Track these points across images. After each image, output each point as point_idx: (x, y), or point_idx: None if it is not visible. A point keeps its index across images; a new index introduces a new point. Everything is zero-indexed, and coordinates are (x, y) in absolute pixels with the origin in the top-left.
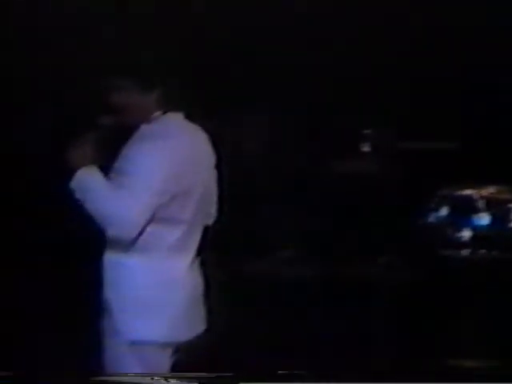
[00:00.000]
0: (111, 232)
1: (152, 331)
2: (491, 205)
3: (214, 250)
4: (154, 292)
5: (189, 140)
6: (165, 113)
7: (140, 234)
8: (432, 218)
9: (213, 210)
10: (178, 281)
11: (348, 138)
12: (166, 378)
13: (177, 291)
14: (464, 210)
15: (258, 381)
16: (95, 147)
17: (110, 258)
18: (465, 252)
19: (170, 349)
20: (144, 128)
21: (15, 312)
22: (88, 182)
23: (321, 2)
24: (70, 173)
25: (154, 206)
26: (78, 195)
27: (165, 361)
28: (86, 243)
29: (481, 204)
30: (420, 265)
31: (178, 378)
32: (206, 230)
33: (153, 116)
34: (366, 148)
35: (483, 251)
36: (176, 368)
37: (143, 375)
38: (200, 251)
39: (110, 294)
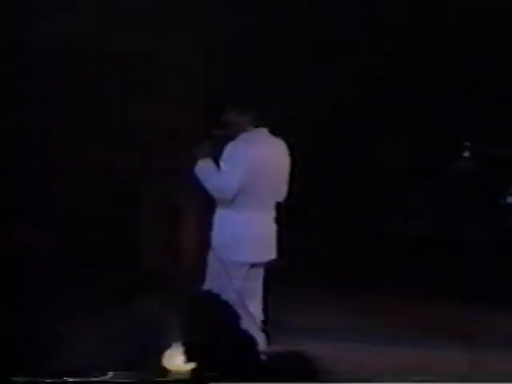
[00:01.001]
0: (217, 196)
1: (243, 255)
2: None
3: None
4: (242, 230)
5: (267, 146)
6: (256, 127)
7: (233, 197)
8: None
9: (283, 192)
10: (257, 225)
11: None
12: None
13: (256, 231)
14: None
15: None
16: (212, 147)
17: (217, 211)
18: None
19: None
20: (240, 136)
21: None
22: (205, 167)
23: None
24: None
25: (240, 183)
26: (199, 176)
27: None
28: None
29: None
30: None
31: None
32: (279, 203)
33: (247, 129)
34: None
35: None
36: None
37: None
38: (275, 212)
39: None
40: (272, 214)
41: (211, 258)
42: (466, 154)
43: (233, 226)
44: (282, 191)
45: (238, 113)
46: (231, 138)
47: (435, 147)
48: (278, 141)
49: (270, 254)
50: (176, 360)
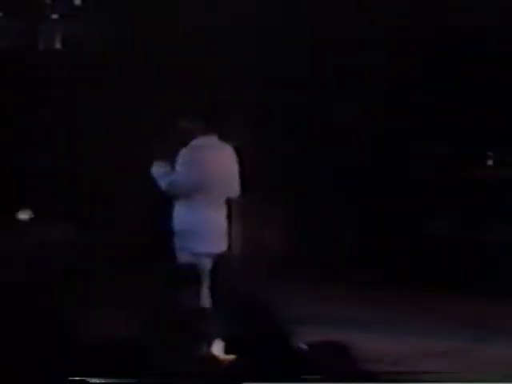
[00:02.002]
0: (172, 192)
1: (198, 247)
2: None
3: None
4: (196, 225)
5: (216, 150)
6: (206, 134)
7: (187, 195)
8: None
9: (234, 189)
10: (208, 220)
11: None
12: None
13: (208, 225)
14: None
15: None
16: (167, 152)
17: (176, 207)
18: None
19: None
20: (193, 142)
21: None
22: (161, 167)
23: None
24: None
25: (193, 182)
26: (155, 175)
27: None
28: None
29: None
30: None
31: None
32: (230, 200)
33: (199, 136)
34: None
35: None
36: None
37: None
38: (227, 208)
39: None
40: (224, 209)
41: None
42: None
43: (190, 220)
44: (233, 189)
45: (190, 121)
46: (184, 143)
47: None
48: (225, 146)
49: (223, 245)
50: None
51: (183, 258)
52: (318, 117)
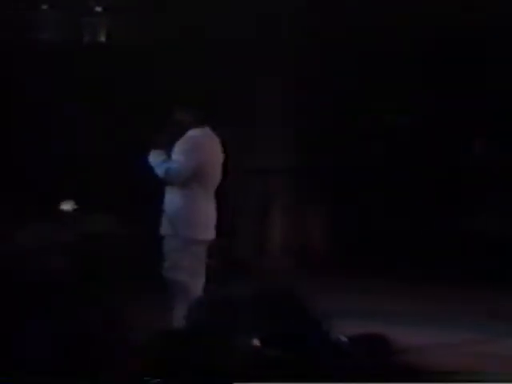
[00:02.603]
0: (169, 180)
1: (193, 234)
2: None
3: None
4: (193, 213)
5: (211, 141)
6: (201, 126)
7: (183, 183)
8: None
9: (218, 180)
10: (201, 207)
11: None
12: None
13: (203, 213)
14: None
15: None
16: (164, 141)
17: (168, 195)
18: None
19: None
20: (189, 133)
21: None
22: (159, 155)
23: None
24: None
25: (189, 171)
26: (153, 162)
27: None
28: None
29: None
30: None
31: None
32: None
33: (194, 127)
34: None
35: None
36: None
37: None
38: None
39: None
40: (213, 198)
41: (169, 237)
42: None
43: (187, 208)
44: (218, 179)
45: (187, 113)
46: (180, 134)
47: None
48: (216, 138)
49: (214, 232)
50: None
51: (175, 244)
52: (362, 113)
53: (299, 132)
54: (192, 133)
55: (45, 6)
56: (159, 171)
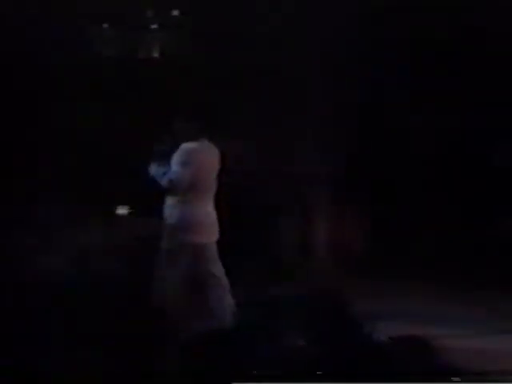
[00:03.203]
0: (171, 188)
1: (195, 238)
2: None
3: None
4: (194, 219)
5: (208, 152)
6: (199, 137)
7: (185, 191)
8: None
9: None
10: (204, 213)
11: None
12: None
13: (204, 218)
14: None
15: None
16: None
17: (168, 202)
18: None
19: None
20: (187, 144)
21: None
22: (160, 166)
23: None
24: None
25: (191, 179)
26: (153, 173)
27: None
28: None
29: None
30: None
31: None
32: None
33: (193, 138)
34: None
35: None
36: None
37: None
38: (214, 204)
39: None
40: (212, 204)
41: (175, 244)
42: None
43: (189, 214)
44: (214, 187)
45: (187, 125)
46: (177, 145)
47: None
48: (214, 148)
49: (215, 235)
50: None
51: (177, 246)
52: (403, 115)
53: (339, 134)
54: (192, 144)
55: (106, 25)
56: (162, 181)
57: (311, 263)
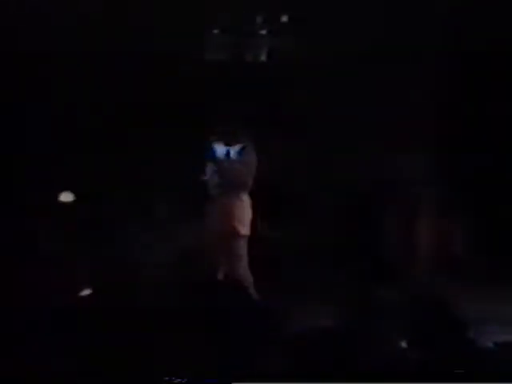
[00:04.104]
0: (226, 183)
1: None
2: None
3: None
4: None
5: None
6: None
7: (238, 187)
8: None
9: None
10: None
11: None
12: None
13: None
14: None
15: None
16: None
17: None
18: None
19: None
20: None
21: None
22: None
23: None
24: None
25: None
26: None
27: None
28: None
29: None
30: None
31: None
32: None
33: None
34: None
35: None
36: None
37: None
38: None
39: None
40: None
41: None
42: None
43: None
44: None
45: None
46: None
47: None
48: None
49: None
50: None
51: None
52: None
53: (441, 140)
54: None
55: (216, 30)
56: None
57: (414, 265)
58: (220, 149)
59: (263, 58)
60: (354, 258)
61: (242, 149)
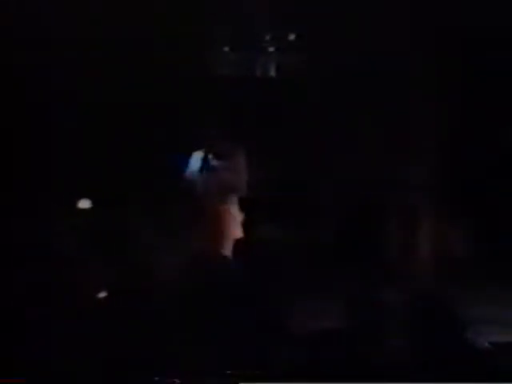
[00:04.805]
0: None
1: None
2: None
3: None
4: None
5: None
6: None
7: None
8: None
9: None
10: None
11: None
12: None
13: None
14: None
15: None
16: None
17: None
18: None
19: None
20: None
21: None
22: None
23: None
24: None
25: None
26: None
27: None
28: None
29: None
30: None
31: None
32: None
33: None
34: None
35: None
36: None
37: None
38: None
39: None
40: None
41: None
42: None
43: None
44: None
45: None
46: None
47: None
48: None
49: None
50: None
51: None
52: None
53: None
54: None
55: (226, 48)
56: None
57: (414, 266)
58: (207, 157)
59: (272, 73)
60: (355, 259)
61: (230, 156)
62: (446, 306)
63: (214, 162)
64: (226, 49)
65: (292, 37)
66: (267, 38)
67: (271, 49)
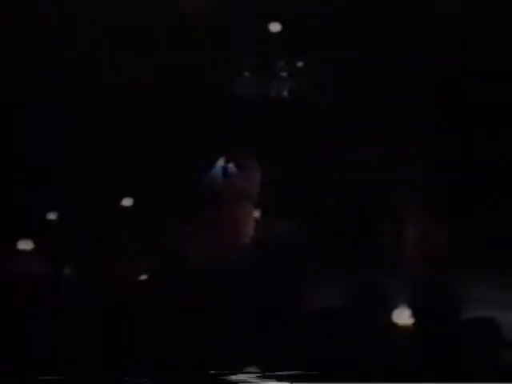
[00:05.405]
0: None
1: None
2: None
3: None
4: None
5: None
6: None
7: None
8: None
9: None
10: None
11: None
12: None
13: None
14: None
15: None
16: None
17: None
18: None
19: None
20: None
21: None
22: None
23: None
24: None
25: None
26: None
27: None
28: None
29: None
30: None
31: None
32: None
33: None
34: None
35: None
36: None
37: None
38: None
39: None
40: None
41: None
42: None
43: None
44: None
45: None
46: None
47: None
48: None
49: None
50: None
51: None
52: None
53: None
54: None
55: (247, 73)
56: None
57: (411, 258)
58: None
59: (285, 94)
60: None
61: (245, 165)
62: (445, 305)
63: (234, 171)
64: (247, 74)
65: (300, 64)
66: (280, 65)
67: (284, 74)
